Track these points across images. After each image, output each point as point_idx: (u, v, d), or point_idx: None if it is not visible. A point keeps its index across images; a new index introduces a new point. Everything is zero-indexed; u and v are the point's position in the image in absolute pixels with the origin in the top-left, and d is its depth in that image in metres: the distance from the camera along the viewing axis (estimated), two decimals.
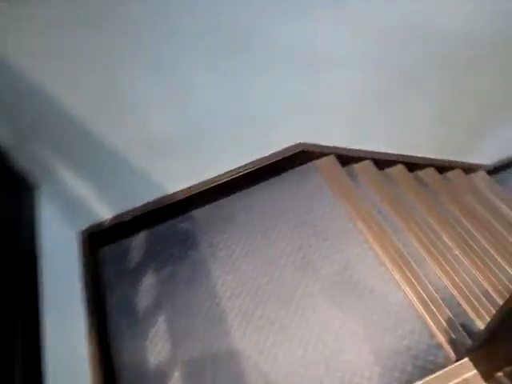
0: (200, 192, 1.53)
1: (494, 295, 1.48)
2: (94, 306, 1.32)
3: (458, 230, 1.79)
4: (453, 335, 1.17)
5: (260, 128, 1.43)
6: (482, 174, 2.25)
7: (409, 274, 1.35)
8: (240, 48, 1.11)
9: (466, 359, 1.02)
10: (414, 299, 1.28)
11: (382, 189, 1.73)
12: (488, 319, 1.31)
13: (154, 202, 1.49)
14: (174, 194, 1.51)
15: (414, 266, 1.39)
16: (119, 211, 1.49)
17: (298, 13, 1.08)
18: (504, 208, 2.15)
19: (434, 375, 1.02)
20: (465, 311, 1.31)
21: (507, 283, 1.57)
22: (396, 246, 1.44)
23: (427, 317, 1.23)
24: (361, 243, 1.42)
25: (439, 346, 1.15)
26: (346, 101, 1.45)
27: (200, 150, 1.40)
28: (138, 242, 1.55)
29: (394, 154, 1.85)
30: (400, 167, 1.92)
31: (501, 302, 1.46)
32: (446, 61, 1.43)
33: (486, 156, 2.21)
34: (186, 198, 1.52)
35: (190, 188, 1.52)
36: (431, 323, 1.20)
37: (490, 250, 1.78)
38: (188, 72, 1.12)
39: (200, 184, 1.52)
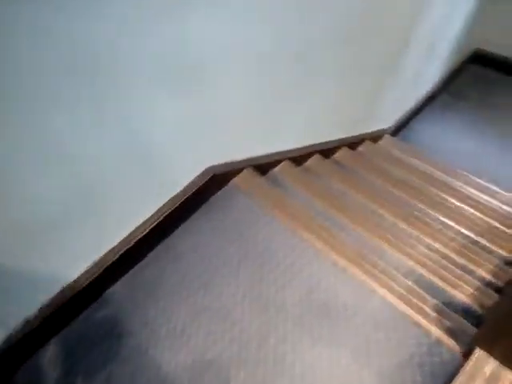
0: (111, 264, 1.21)
1: (453, 256, 1.43)
2: None
3: (392, 201, 1.74)
4: (446, 322, 1.05)
5: (157, 166, 1.16)
6: (387, 137, 2.27)
7: (374, 271, 1.22)
8: (94, 73, 0.84)
9: (477, 350, 0.90)
10: (391, 296, 1.14)
11: (310, 185, 1.58)
12: (464, 286, 1.24)
13: (54, 299, 1.14)
14: (76, 279, 1.16)
15: (375, 258, 1.26)
16: (11, 328, 1.10)
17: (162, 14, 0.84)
18: (417, 162, 2.18)
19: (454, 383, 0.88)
20: (442, 288, 1.21)
21: (457, 238, 1.55)
22: (348, 244, 1.30)
23: (412, 312, 1.09)
24: (314, 255, 1.25)
25: (439, 342, 1.02)
26: (245, 107, 1.26)
27: (94, 216, 1.08)
28: (51, 355, 1.18)
29: (307, 146, 1.72)
30: (317, 157, 1.80)
31: (462, 261, 1.41)
32: (332, 40, 1.33)
33: (386, 120, 2.23)
34: (95, 278, 1.18)
35: (96, 264, 1.20)
36: (420, 318, 1.07)
37: (427, 209, 1.76)
38: (40, 121, 0.82)
39: (108, 254, 1.20)
